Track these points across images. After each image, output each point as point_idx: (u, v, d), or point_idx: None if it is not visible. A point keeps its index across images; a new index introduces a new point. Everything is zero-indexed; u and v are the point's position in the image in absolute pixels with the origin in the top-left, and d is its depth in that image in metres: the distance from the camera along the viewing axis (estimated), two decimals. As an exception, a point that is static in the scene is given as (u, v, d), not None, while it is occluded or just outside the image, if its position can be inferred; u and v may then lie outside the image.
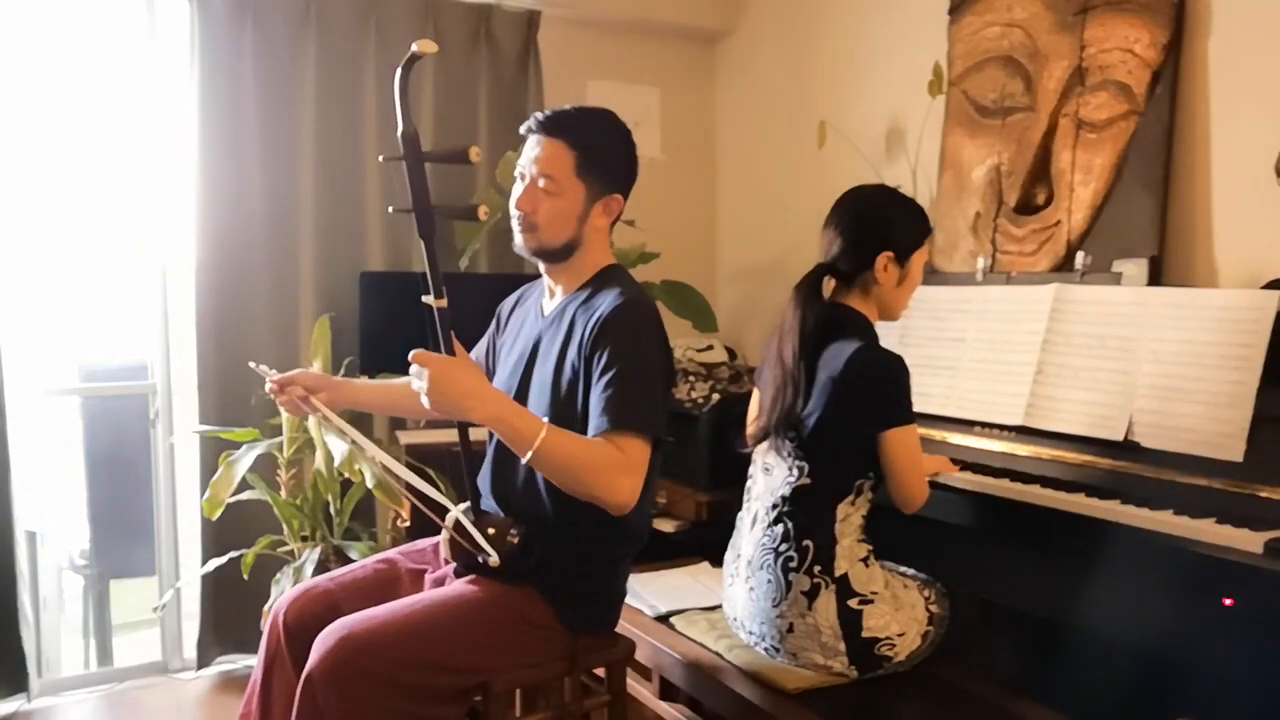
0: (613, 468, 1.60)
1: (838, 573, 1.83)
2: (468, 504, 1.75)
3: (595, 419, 1.64)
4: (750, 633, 1.96)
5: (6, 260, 2.90)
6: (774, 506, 1.90)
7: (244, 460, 2.75)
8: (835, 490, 1.86)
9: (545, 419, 1.63)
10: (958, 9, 2.82)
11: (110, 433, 3.32)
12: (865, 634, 1.83)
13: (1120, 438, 2.04)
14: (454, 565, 1.83)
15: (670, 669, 2.10)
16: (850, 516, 1.86)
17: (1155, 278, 2.27)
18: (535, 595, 1.72)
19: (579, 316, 1.75)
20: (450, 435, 2.03)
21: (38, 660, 2.95)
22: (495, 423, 1.58)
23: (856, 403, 1.82)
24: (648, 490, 1.74)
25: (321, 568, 2.65)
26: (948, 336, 2.48)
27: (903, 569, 2.00)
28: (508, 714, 1.77)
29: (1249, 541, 1.68)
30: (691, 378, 3.17)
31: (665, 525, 3.13)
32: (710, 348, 3.38)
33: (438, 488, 1.72)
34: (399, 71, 1.58)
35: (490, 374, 1.97)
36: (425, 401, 1.57)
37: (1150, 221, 2.30)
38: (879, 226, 1.92)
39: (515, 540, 1.69)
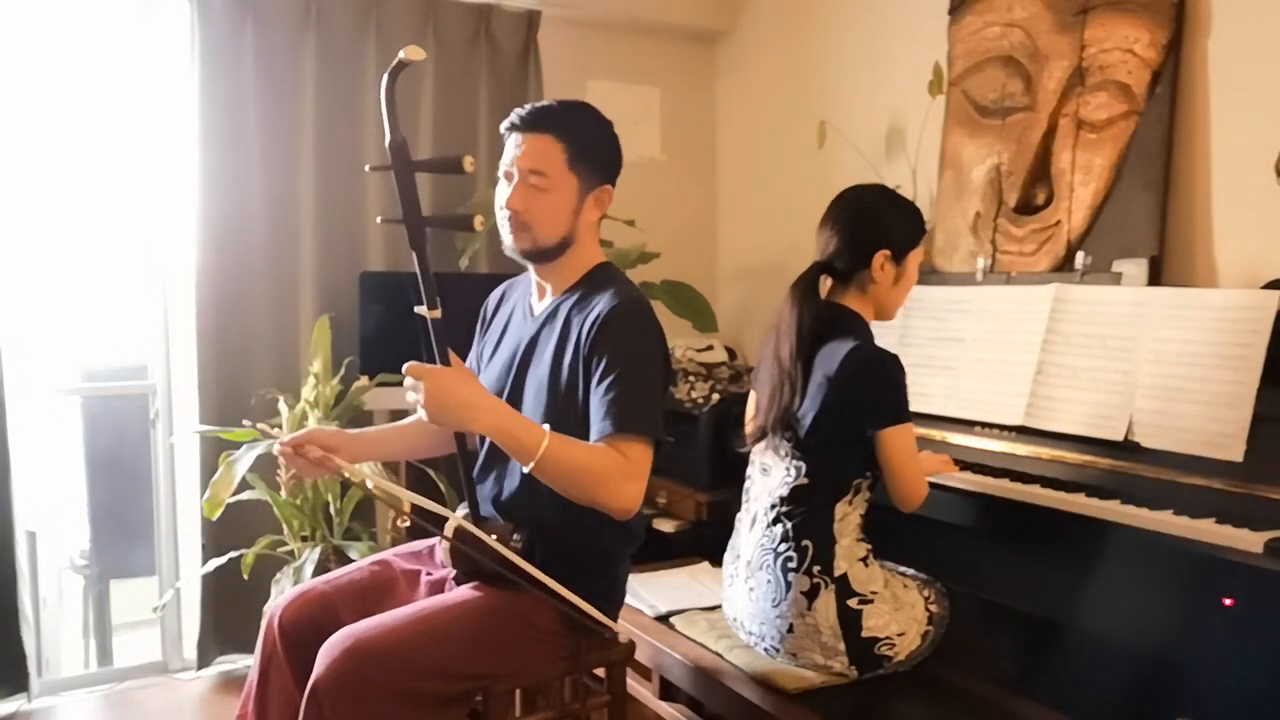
0: (617, 475, 1.58)
1: (837, 572, 1.83)
2: (467, 510, 1.75)
3: (598, 424, 1.63)
4: (750, 633, 1.96)
5: (7, 261, 2.90)
6: (772, 507, 1.90)
7: (244, 460, 2.74)
8: (833, 490, 1.86)
9: (544, 422, 1.62)
10: (958, 9, 2.82)
11: (110, 433, 3.32)
12: (865, 634, 1.83)
13: (1120, 438, 2.04)
14: (452, 570, 1.82)
15: (670, 669, 2.10)
16: (848, 516, 1.86)
17: (1155, 278, 2.27)
18: (538, 600, 1.71)
19: (574, 317, 1.73)
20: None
21: (38, 660, 2.95)
22: (497, 433, 1.56)
23: (853, 401, 1.82)
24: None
25: (321, 568, 2.64)
26: (947, 336, 2.48)
27: (902, 569, 1.99)
28: (508, 714, 1.77)
29: (1249, 541, 1.68)
30: (691, 378, 3.16)
31: (665, 525, 3.13)
32: (710, 348, 3.38)
33: (438, 489, 1.72)
34: (386, 79, 1.54)
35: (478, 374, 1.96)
36: (422, 415, 1.55)
37: (1150, 221, 2.30)
38: (876, 225, 1.92)
39: (518, 546, 1.68)
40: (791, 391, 1.85)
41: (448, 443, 1.83)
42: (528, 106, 1.73)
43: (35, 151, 2.98)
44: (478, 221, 1.55)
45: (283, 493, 2.90)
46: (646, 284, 3.36)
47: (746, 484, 2.03)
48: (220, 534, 2.99)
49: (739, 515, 2.03)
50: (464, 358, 1.69)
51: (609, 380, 1.63)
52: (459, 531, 1.71)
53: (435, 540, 1.95)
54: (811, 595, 1.83)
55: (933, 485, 1.99)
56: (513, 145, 1.72)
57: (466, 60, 3.40)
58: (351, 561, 2.45)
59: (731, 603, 2.02)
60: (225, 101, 3.05)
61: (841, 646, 1.83)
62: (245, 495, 2.83)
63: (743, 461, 2.06)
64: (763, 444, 1.95)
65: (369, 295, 3.11)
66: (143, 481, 3.20)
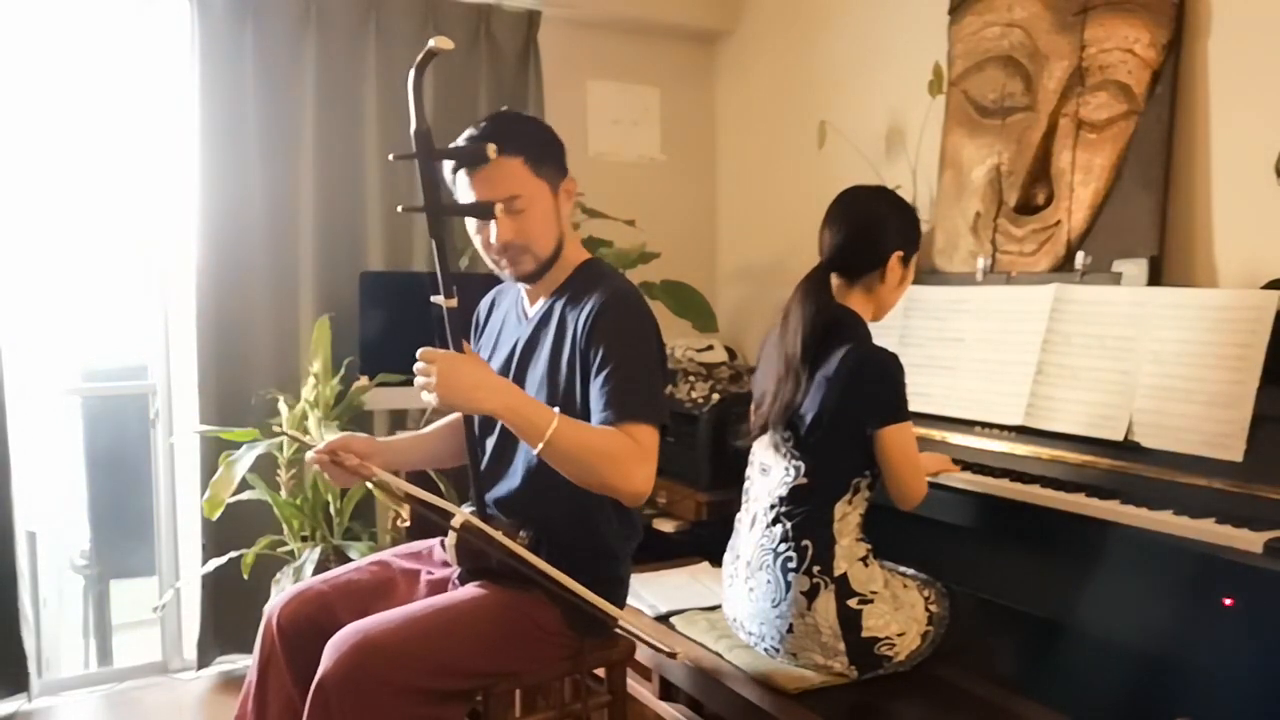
0: (628, 456, 1.58)
1: (837, 572, 1.83)
2: (473, 507, 1.75)
3: (599, 414, 1.63)
4: (750, 633, 1.96)
5: (7, 261, 2.90)
6: (772, 507, 1.90)
7: (244, 460, 2.75)
8: (832, 490, 1.86)
9: None
10: (958, 9, 2.82)
11: (110, 433, 3.32)
12: (865, 634, 1.83)
13: (1120, 438, 2.04)
14: (454, 569, 1.82)
15: (670, 669, 2.10)
16: (848, 516, 1.86)
17: (1155, 278, 2.26)
18: (544, 599, 1.71)
19: (569, 315, 1.73)
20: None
21: (38, 660, 2.95)
22: (507, 412, 1.56)
23: (852, 401, 1.82)
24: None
25: (321, 568, 2.64)
26: (947, 336, 2.48)
27: (902, 569, 1.99)
28: (508, 714, 1.77)
29: (1249, 541, 1.68)
30: (691, 378, 3.16)
31: (665, 525, 3.13)
32: (710, 348, 3.38)
33: (439, 491, 1.72)
34: (414, 69, 1.53)
35: None
36: (432, 398, 1.54)
37: (1150, 221, 2.30)
38: (890, 225, 1.93)
39: (524, 542, 1.69)
40: (795, 387, 1.86)
41: (459, 452, 1.84)
42: (464, 141, 1.69)
43: (35, 151, 2.98)
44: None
45: (283, 492, 2.90)
46: (646, 284, 3.36)
47: (746, 484, 2.03)
48: (220, 534, 2.99)
49: (739, 515, 2.03)
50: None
51: (607, 370, 1.63)
52: (466, 526, 1.70)
53: (435, 540, 1.95)
54: (811, 595, 1.83)
55: (933, 485, 2.00)
56: (472, 182, 1.67)
57: (466, 60, 3.40)
58: (351, 561, 2.45)
59: (731, 603, 2.02)
60: (225, 101, 3.05)
61: (841, 646, 1.83)
62: (245, 495, 2.83)
63: (743, 461, 2.06)
64: (763, 443, 1.95)
65: (369, 295, 3.11)
66: (143, 481, 3.20)
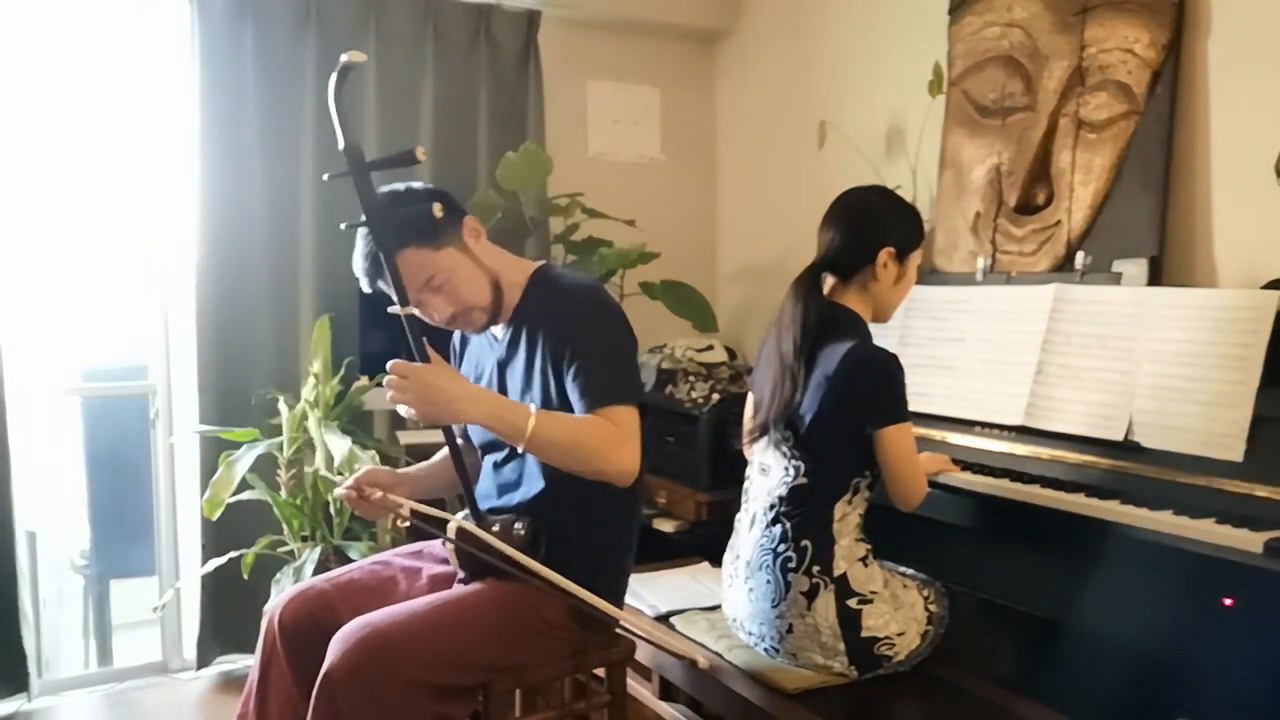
0: (610, 439, 1.63)
1: (836, 572, 1.83)
2: (466, 512, 1.76)
3: (577, 405, 1.68)
4: (750, 633, 1.96)
5: (7, 260, 2.90)
6: (771, 507, 1.89)
7: (244, 460, 2.75)
8: (832, 490, 1.86)
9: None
10: (958, 9, 2.82)
11: (110, 433, 3.32)
12: (865, 633, 1.83)
13: (1120, 438, 2.04)
14: (454, 568, 1.83)
15: (670, 669, 2.10)
16: (848, 516, 1.86)
17: (1155, 278, 2.26)
18: (548, 592, 1.72)
19: (537, 327, 1.77)
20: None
21: (38, 660, 2.95)
22: (488, 419, 1.60)
23: (852, 401, 1.82)
24: (640, 471, 1.76)
25: (322, 568, 2.64)
26: (948, 336, 2.48)
27: (902, 569, 1.99)
28: (508, 714, 1.77)
29: (1249, 541, 1.68)
30: (691, 378, 3.16)
31: (665, 525, 3.13)
32: (710, 348, 3.37)
33: (441, 500, 1.74)
34: (332, 85, 1.58)
35: None
36: (408, 413, 1.58)
37: (1150, 221, 2.30)
38: (880, 223, 1.93)
39: (522, 534, 1.71)
40: (793, 387, 1.85)
41: (475, 472, 1.87)
42: (363, 260, 1.75)
43: (35, 151, 2.98)
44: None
45: (283, 492, 2.90)
46: (646, 284, 3.37)
47: (746, 484, 2.03)
48: (220, 534, 2.99)
49: (738, 515, 2.03)
50: (445, 356, 1.73)
51: (577, 363, 1.68)
52: (460, 532, 1.72)
53: (434, 541, 1.95)
54: (811, 595, 1.83)
55: (933, 485, 2.00)
56: (396, 289, 1.69)
57: (466, 60, 3.40)
58: (351, 561, 2.45)
59: (731, 603, 2.02)
60: (225, 101, 3.05)
61: (841, 646, 1.83)
62: (245, 495, 2.83)
63: (742, 461, 2.06)
64: (762, 443, 1.95)
65: (369, 295, 3.08)
66: (143, 481, 3.20)
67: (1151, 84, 2.31)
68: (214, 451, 2.92)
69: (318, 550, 2.77)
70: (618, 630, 1.82)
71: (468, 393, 1.60)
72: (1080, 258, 2.34)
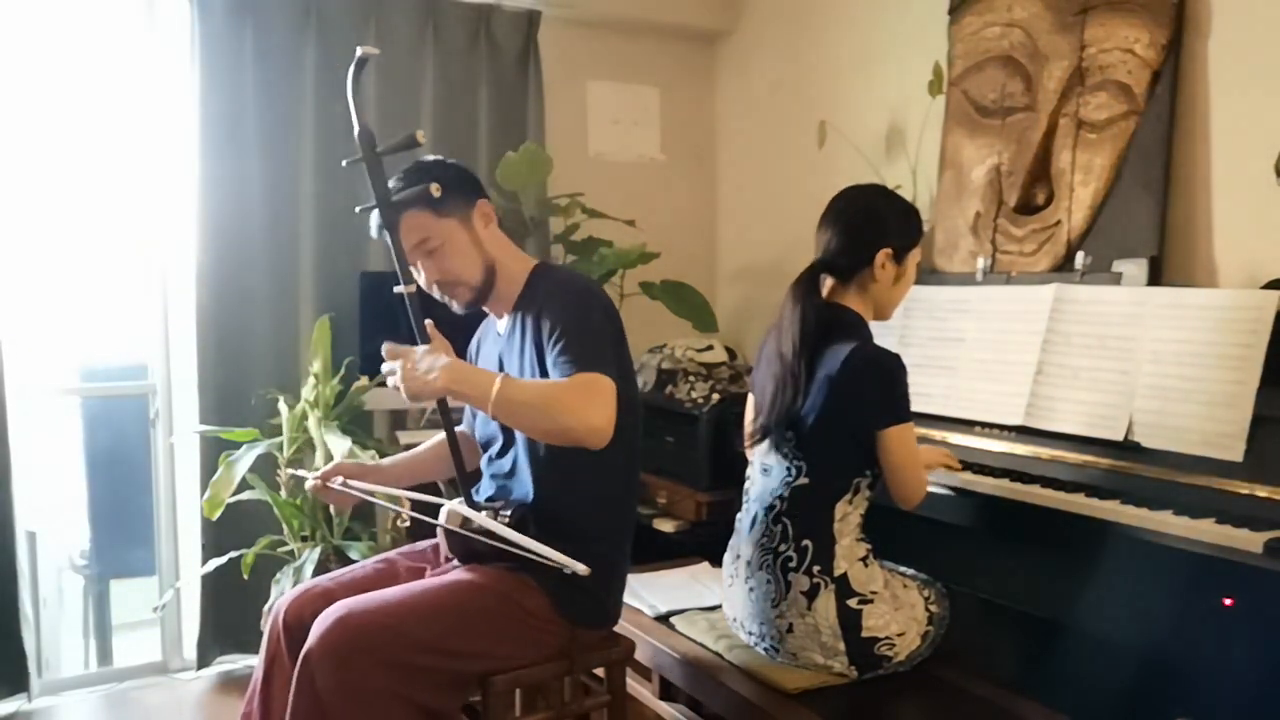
0: (579, 396, 1.62)
1: (837, 572, 1.83)
2: (460, 499, 1.77)
3: (553, 374, 1.70)
4: (750, 633, 1.96)
5: (7, 260, 2.90)
6: (772, 507, 1.90)
7: (244, 460, 2.75)
8: (833, 490, 1.86)
9: None
10: (958, 9, 2.82)
11: (110, 433, 3.32)
12: (865, 634, 1.83)
13: (1120, 438, 2.04)
14: (454, 564, 1.84)
15: (670, 669, 2.10)
16: (848, 516, 1.86)
17: (1155, 278, 2.26)
18: (531, 583, 1.74)
19: (529, 319, 1.80)
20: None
21: (38, 660, 2.95)
22: (453, 384, 1.63)
23: (854, 401, 1.82)
24: (632, 459, 1.81)
25: (321, 568, 2.65)
26: (948, 336, 2.48)
27: (902, 569, 1.99)
28: (507, 714, 1.77)
29: (1249, 541, 1.68)
30: (691, 378, 3.16)
31: (665, 525, 3.13)
32: (710, 348, 3.38)
33: (438, 489, 1.75)
34: (350, 77, 1.66)
35: None
36: (402, 393, 1.63)
37: (1150, 221, 2.30)
38: (878, 223, 1.92)
39: (505, 522, 1.71)
40: (795, 389, 1.85)
41: (450, 465, 1.90)
42: (373, 209, 1.79)
43: (35, 152, 2.98)
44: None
45: (283, 492, 2.90)
46: (646, 284, 3.37)
47: (746, 484, 2.03)
48: (220, 534, 2.99)
49: (739, 515, 2.03)
50: (456, 349, 1.76)
51: (556, 336, 1.71)
52: (449, 516, 1.76)
53: (438, 540, 1.96)
54: (811, 595, 1.83)
55: (933, 485, 1.99)
56: (394, 244, 1.78)
57: (466, 60, 3.40)
58: (352, 561, 2.46)
59: (731, 603, 2.02)
60: (225, 101, 3.05)
61: (841, 646, 1.83)
62: (245, 495, 2.83)
63: (742, 461, 2.06)
64: (764, 444, 1.94)
65: (369, 295, 3.11)
66: (143, 481, 3.20)
67: (1151, 84, 2.31)
68: (214, 451, 2.92)
69: (318, 550, 2.77)
70: (567, 573, 1.79)
71: (440, 364, 1.63)
72: (1080, 258, 2.34)
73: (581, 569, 1.59)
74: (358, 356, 3.06)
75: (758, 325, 3.65)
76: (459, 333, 1.79)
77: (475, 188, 1.87)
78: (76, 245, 3.14)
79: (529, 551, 1.55)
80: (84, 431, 3.30)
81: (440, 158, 1.91)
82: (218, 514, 2.70)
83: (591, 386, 1.63)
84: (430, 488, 2.37)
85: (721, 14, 3.80)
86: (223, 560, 2.88)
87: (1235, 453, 1.86)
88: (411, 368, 1.62)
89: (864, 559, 1.87)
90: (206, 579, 3.03)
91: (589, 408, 1.61)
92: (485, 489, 1.92)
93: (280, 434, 2.88)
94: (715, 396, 3.04)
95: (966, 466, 2.22)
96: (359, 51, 1.63)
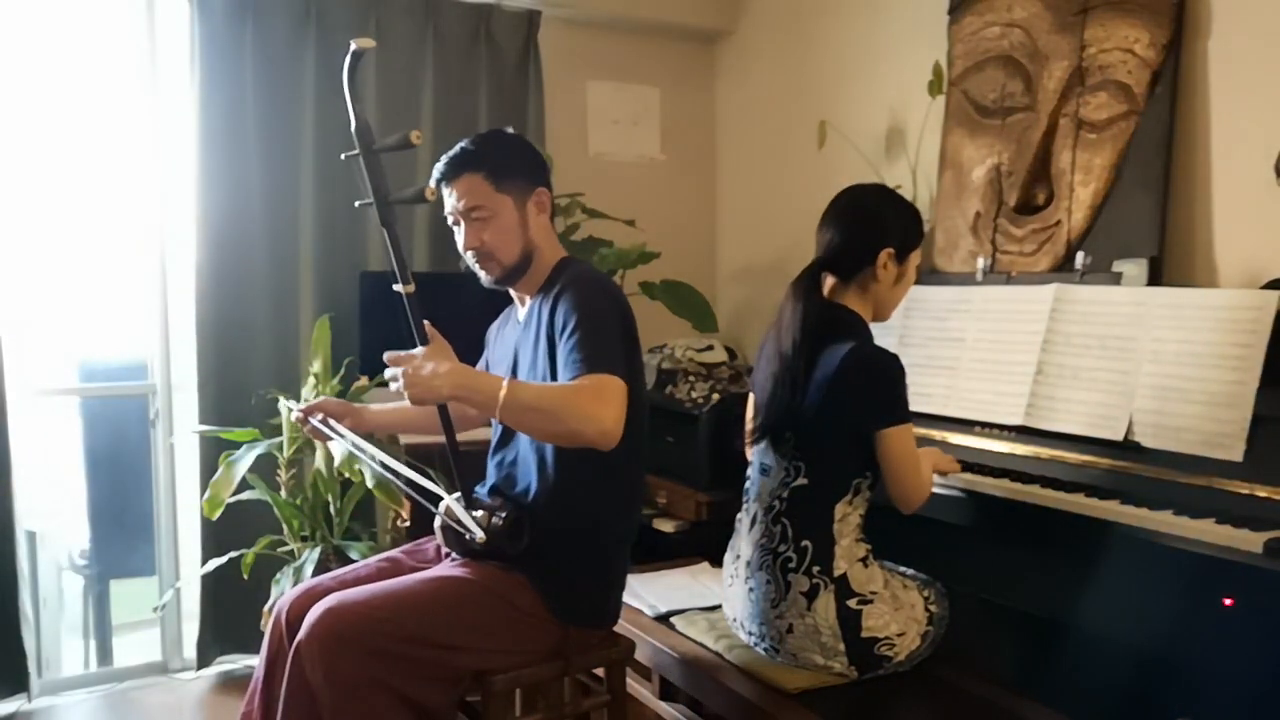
0: (586, 398, 1.61)
1: (836, 573, 1.83)
2: (459, 494, 1.77)
3: (564, 373, 1.69)
4: (750, 633, 1.96)
5: (6, 259, 2.90)
6: (772, 507, 1.89)
7: (244, 460, 2.75)
8: (833, 490, 1.85)
9: None
10: (958, 9, 2.82)
11: (110, 433, 3.32)
12: (865, 634, 1.83)
13: (1120, 438, 2.04)
14: (452, 558, 1.84)
15: (670, 669, 2.10)
16: (848, 516, 1.86)
17: (1155, 278, 2.26)
18: (523, 581, 1.75)
19: (544, 308, 1.81)
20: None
21: (38, 660, 2.95)
22: (460, 390, 1.62)
23: (853, 402, 1.82)
24: (635, 458, 1.79)
25: (321, 568, 2.64)
26: (948, 336, 2.48)
27: (902, 569, 1.99)
28: (507, 714, 1.77)
29: (1249, 541, 1.68)
30: (691, 378, 3.16)
31: (665, 525, 3.13)
32: (710, 348, 3.38)
33: (435, 483, 1.75)
34: (346, 71, 1.65)
35: None
36: (406, 399, 1.62)
37: (1150, 221, 2.30)
38: (880, 224, 1.92)
39: (500, 523, 1.72)
40: (794, 388, 1.85)
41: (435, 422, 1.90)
42: (444, 157, 1.84)
43: (35, 150, 2.98)
44: (428, 192, 1.68)
45: (283, 492, 2.90)
46: (646, 284, 3.36)
47: (746, 484, 2.03)
48: (220, 534, 2.99)
49: (739, 515, 2.03)
50: (456, 350, 1.75)
51: (567, 334, 1.70)
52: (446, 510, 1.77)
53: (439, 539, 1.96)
54: (811, 595, 1.83)
55: (933, 486, 1.99)
56: (447, 195, 1.83)
57: (466, 60, 3.40)
58: (352, 561, 2.46)
59: (731, 603, 2.02)
60: (225, 101, 3.05)
61: (841, 647, 1.83)
62: (245, 495, 2.83)
63: (742, 461, 2.06)
64: (764, 444, 1.94)
65: (369, 295, 3.11)
66: (143, 481, 3.20)
67: (1151, 84, 2.31)
68: (214, 451, 2.92)
69: (317, 550, 2.77)
70: (434, 509, 1.80)
71: (446, 368, 1.62)
72: (1080, 258, 2.34)
73: (479, 535, 1.65)
74: (358, 356, 3.06)
75: (758, 325, 3.65)
76: (458, 334, 1.78)
77: (540, 174, 1.87)
78: (76, 245, 3.14)
79: (410, 483, 1.65)
80: (84, 431, 3.30)
81: (518, 135, 1.92)
82: (218, 514, 2.70)
83: (601, 389, 1.62)
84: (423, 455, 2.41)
85: (721, 14, 3.80)
86: (223, 560, 2.88)
87: (1235, 453, 1.86)
88: (415, 372, 1.60)
89: (864, 559, 1.87)
90: (206, 579, 3.03)
91: (599, 411, 1.61)
92: (490, 476, 1.93)
93: (280, 434, 2.88)
94: (715, 396, 3.04)
95: (966, 467, 2.22)
96: (353, 45, 1.62)
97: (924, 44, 2.91)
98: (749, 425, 2.01)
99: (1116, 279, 2.27)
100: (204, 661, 3.11)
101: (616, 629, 1.93)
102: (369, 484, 2.63)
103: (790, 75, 3.56)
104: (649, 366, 3.29)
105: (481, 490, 1.91)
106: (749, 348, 3.64)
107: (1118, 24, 2.38)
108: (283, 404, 2.01)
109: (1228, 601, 1.73)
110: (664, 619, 2.22)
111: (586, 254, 3.32)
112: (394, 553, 1.98)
